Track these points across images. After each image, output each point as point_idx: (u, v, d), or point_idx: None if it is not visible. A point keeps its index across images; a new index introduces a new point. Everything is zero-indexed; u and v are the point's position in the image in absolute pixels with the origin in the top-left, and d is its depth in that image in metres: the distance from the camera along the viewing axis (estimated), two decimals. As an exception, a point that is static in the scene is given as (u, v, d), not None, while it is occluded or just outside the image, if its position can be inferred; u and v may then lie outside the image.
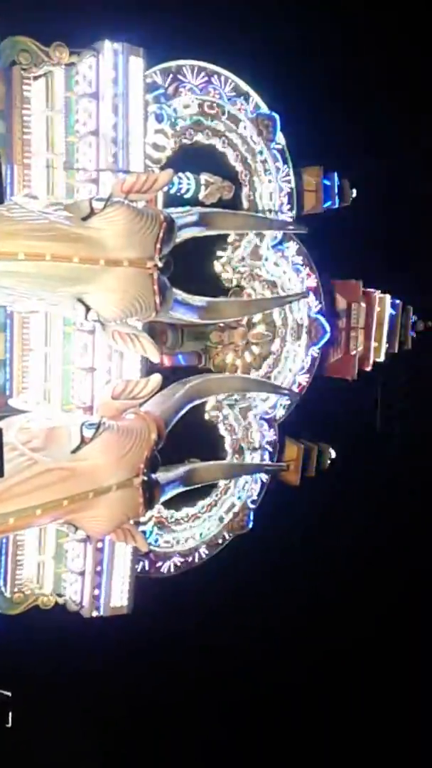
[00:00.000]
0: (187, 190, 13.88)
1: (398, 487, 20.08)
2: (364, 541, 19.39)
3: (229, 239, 14.74)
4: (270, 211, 14.71)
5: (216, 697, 17.41)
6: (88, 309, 11.54)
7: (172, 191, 13.62)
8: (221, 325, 14.68)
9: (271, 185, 14.65)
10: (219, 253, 14.77)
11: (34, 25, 11.98)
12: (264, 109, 14.36)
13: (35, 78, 12.08)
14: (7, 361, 12.53)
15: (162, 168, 12.94)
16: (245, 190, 14.59)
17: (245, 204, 14.63)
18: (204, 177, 14.03)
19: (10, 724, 8.55)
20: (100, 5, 13.76)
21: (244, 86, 14.11)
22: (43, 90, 12.15)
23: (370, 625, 19.09)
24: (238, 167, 14.46)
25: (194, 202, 13.89)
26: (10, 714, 8.54)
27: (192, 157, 13.77)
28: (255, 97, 14.24)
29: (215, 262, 14.78)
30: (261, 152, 14.49)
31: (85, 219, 11.27)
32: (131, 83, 12.01)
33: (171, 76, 13.20)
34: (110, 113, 11.93)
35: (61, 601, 12.88)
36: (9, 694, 8.54)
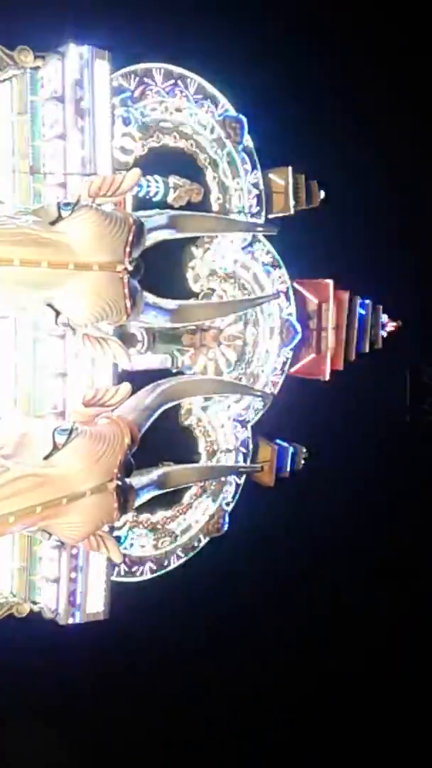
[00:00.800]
0: (156, 193, 13.84)
1: (374, 487, 20.24)
2: (341, 542, 19.52)
3: (199, 241, 14.74)
4: (239, 212, 14.73)
5: (195, 701, 17.39)
6: (57, 314, 11.46)
7: (141, 194, 13.58)
8: (193, 327, 14.67)
9: (240, 187, 14.68)
10: (189, 255, 14.76)
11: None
12: (231, 111, 14.39)
13: (0, 82, 11.99)
14: (-24, 368, 12.43)
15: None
16: (214, 193, 14.62)
17: (214, 206, 14.64)
18: (173, 180, 14.01)
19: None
20: (65, 8, 13.68)
21: (211, 88, 14.12)
22: (7, 94, 12.07)
23: (352, 625, 19.22)
24: (207, 170, 14.47)
25: (163, 205, 13.86)
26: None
27: (160, 160, 13.75)
28: (222, 100, 14.27)
29: (185, 265, 14.76)
30: (229, 154, 14.51)
31: (53, 223, 11.19)
32: (97, 86, 11.97)
33: (137, 78, 13.17)
34: (76, 117, 11.86)
35: (36, 608, 12.79)
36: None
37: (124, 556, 13.39)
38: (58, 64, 11.88)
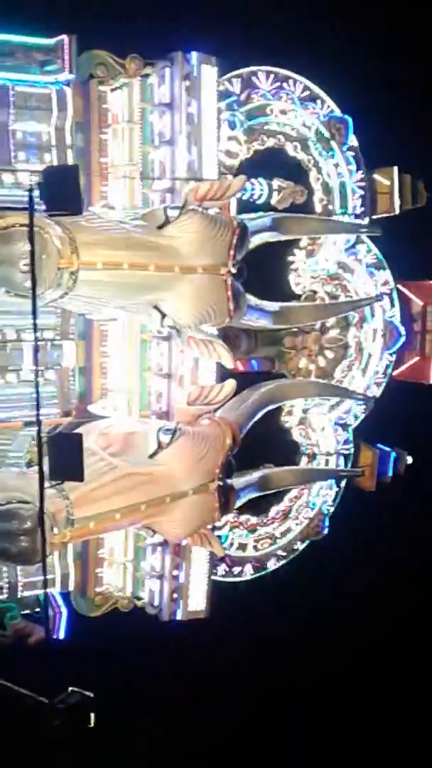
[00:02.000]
0: (260, 196, 13.92)
1: None
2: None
3: (302, 243, 14.71)
4: (343, 214, 14.62)
5: (291, 701, 17.33)
6: (163, 316, 11.71)
7: (245, 197, 13.67)
8: (295, 329, 14.65)
9: (344, 188, 14.55)
10: (292, 257, 14.76)
11: (110, 39, 12.23)
12: (336, 111, 14.29)
13: (112, 90, 12.34)
14: (86, 368, 12.82)
15: (235, 174, 13.02)
16: (318, 194, 14.55)
17: (318, 208, 14.58)
18: (276, 182, 14.05)
19: (92, 725, 8.68)
20: (173, 16, 13.93)
21: (316, 89, 14.08)
22: (119, 102, 12.40)
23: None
24: (311, 171, 14.43)
25: (267, 207, 13.92)
26: (92, 715, 8.66)
27: (264, 163, 13.81)
28: (327, 100, 14.19)
29: (288, 267, 14.76)
30: (333, 155, 14.41)
31: (160, 227, 11.45)
32: (204, 92, 12.13)
33: (243, 82, 13.30)
34: (184, 122, 12.06)
35: (140, 604, 13.07)
36: (91, 695, 8.67)
37: (225, 556, 13.53)
38: (166, 72, 12.11)
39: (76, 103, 12.18)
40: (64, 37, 11.90)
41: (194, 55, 12.07)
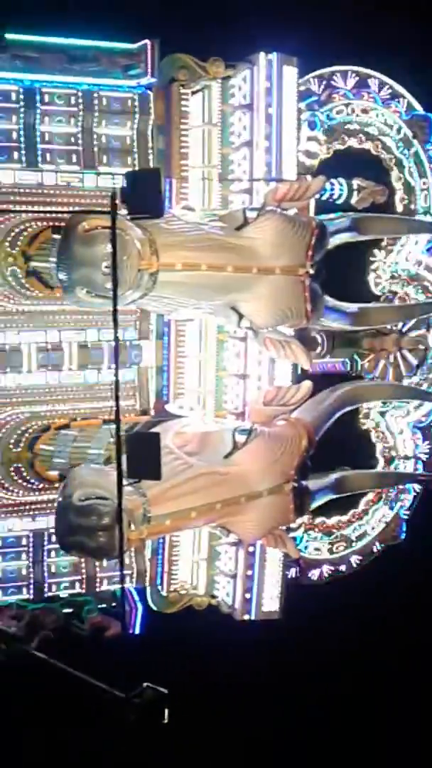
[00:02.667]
0: (339, 196, 13.83)
1: None
2: None
3: (383, 244, 14.54)
4: (425, 213, 14.37)
5: (363, 705, 17.14)
6: (241, 317, 11.79)
7: (324, 197, 13.60)
8: (373, 331, 14.48)
9: (427, 187, 14.30)
10: (371, 258, 14.60)
11: (192, 42, 12.35)
12: (419, 109, 14.06)
13: (193, 93, 12.47)
14: (164, 367, 13.00)
15: (314, 175, 12.97)
16: (399, 194, 14.35)
17: (399, 207, 14.38)
18: (356, 182, 13.93)
19: (166, 720, 8.79)
20: (255, 17, 13.96)
21: (399, 88, 13.88)
22: (200, 104, 12.52)
23: None
24: (392, 170, 14.24)
25: (346, 207, 13.81)
26: (166, 711, 8.77)
27: (344, 162, 13.70)
28: (409, 98, 13.98)
29: (368, 268, 14.60)
30: (416, 153, 14.18)
31: (238, 229, 11.52)
32: (285, 93, 12.12)
33: (324, 82, 13.24)
34: (264, 123, 12.09)
35: (213, 602, 13.17)
36: (165, 691, 8.78)
37: (300, 558, 13.49)
38: (247, 73, 12.16)
39: (158, 107, 12.35)
40: (147, 42, 12.09)
41: (275, 56, 12.08)
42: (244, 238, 11.46)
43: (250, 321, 11.81)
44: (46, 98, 12.00)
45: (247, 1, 13.98)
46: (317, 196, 12.77)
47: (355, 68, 13.45)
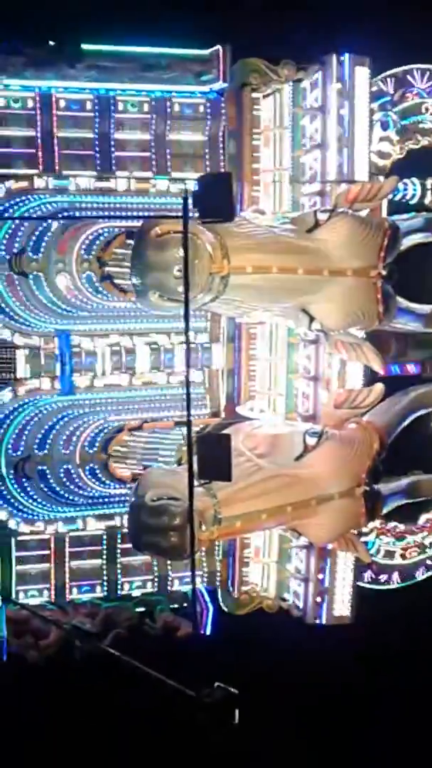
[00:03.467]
0: (413, 196, 13.63)
1: None
2: None
3: (458, 243, 14.24)
4: None
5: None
6: (312, 319, 11.73)
7: (397, 198, 13.43)
8: (448, 333, 14.21)
9: None
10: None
11: (263, 46, 12.40)
12: None
13: (264, 96, 12.51)
14: (234, 370, 13.07)
15: (387, 175, 12.82)
16: None
17: None
18: (430, 182, 13.69)
19: (236, 721, 8.81)
20: (327, 19, 13.89)
21: None
22: (271, 108, 12.56)
23: None
24: (467, 170, 13.95)
25: (420, 207, 13.60)
26: (237, 711, 8.79)
27: (418, 162, 13.49)
28: None
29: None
30: None
31: (310, 231, 11.48)
32: (357, 94, 12.04)
33: (397, 82, 13.08)
34: (336, 125, 12.03)
35: (284, 605, 13.14)
36: (236, 691, 8.81)
37: (371, 562, 13.34)
38: (319, 75, 12.12)
39: (230, 111, 12.47)
40: (219, 47, 12.21)
41: (347, 57, 12.00)
42: (315, 240, 11.41)
43: (321, 323, 11.74)
44: (120, 106, 12.28)
45: (319, 3, 13.93)
46: (390, 196, 12.62)
47: (429, 67, 13.22)
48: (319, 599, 12.73)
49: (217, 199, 9.02)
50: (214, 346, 13.16)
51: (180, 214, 9.31)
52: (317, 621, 12.84)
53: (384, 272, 11.60)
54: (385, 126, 12.98)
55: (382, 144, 13.03)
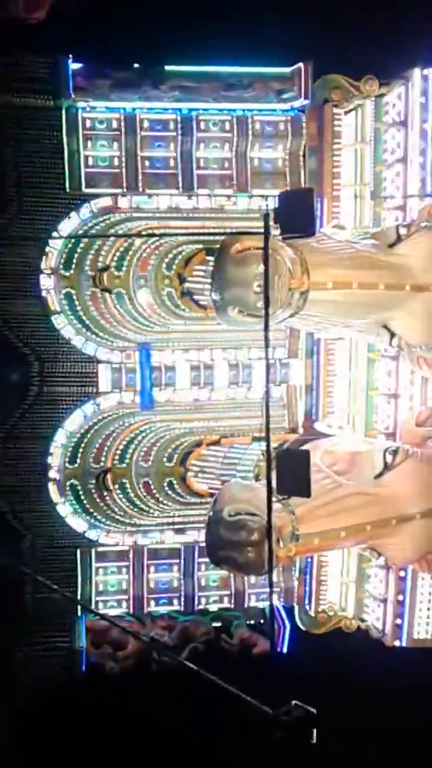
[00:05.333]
0: None
1: None
2: None
3: None
4: None
5: None
6: (392, 335, 11.56)
7: None
8: None
9: None
10: None
11: (345, 61, 12.39)
12: None
13: (346, 112, 12.49)
14: (313, 386, 13.01)
15: (470, 189, 12.58)
16: None
17: None
18: None
19: (314, 741, 8.69)
20: (409, 34, 13.79)
21: None
22: (352, 123, 12.54)
23: None
24: None
25: None
26: (315, 731, 8.67)
27: None
28: None
29: None
30: None
31: (391, 246, 11.34)
32: (440, 108, 11.89)
33: None
34: (419, 139, 11.90)
35: (363, 626, 12.92)
36: (314, 711, 8.69)
37: (454, 584, 12.97)
38: (402, 90, 12.03)
39: (311, 128, 12.50)
40: (301, 65, 12.27)
41: (431, 71, 11.88)
42: (396, 255, 11.27)
43: (402, 339, 11.55)
44: (202, 125, 12.46)
45: (402, 16, 13.82)
46: (474, 210, 12.36)
47: None
48: (399, 621, 12.46)
49: (298, 215, 9.03)
50: (292, 362, 13.13)
51: (261, 230, 9.36)
52: (397, 643, 12.57)
53: (468, 295, 11.35)
54: (469, 139, 12.73)
55: (466, 157, 12.78)
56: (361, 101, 12.28)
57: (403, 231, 11.37)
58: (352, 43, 13.80)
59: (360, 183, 12.49)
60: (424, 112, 11.83)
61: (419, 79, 11.86)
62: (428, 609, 12.53)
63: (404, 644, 12.52)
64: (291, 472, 9.58)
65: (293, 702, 8.44)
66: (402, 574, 12.40)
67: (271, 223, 9.13)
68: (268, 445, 9.73)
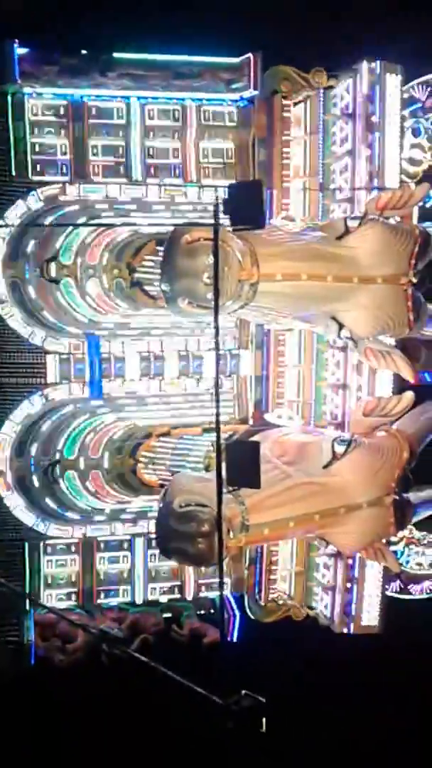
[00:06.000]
0: (445, 203, 13.53)
1: None
2: None
3: None
4: None
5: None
6: (341, 326, 11.69)
7: (428, 205, 13.33)
8: None
9: None
10: None
11: (294, 53, 12.41)
12: None
13: (295, 104, 12.52)
14: (263, 377, 13.07)
15: (418, 182, 12.76)
16: None
17: None
18: (463, 188, 13.58)
19: (264, 730, 8.77)
20: (358, 27, 13.88)
21: None
22: (301, 115, 12.57)
23: None
24: None
25: (452, 214, 13.50)
26: (264, 720, 8.75)
27: (450, 169, 13.41)
28: None
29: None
30: None
31: (339, 238, 11.45)
32: (388, 100, 12.00)
33: (429, 88, 13.01)
34: (367, 132, 12.00)
35: (312, 614, 13.08)
36: (263, 700, 8.77)
37: (400, 572, 13.23)
38: (350, 82, 12.11)
39: (260, 119, 12.50)
40: (250, 56, 12.25)
41: (379, 64, 11.98)
42: (345, 248, 11.39)
43: (350, 331, 11.70)
44: (151, 114, 12.34)
45: (350, 10, 13.91)
46: (421, 203, 12.54)
47: (462, 72, 13.16)
48: (347, 608, 12.66)
49: (247, 207, 9.03)
50: (242, 353, 13.17)
51: (210, 221, 9.34)
52: (345, 630, 12.77)
53: (414, 280, 11.53)
54: (416, 133, 12.94)
55: (414, 151, 12.99)
56: (310, 93, 12.33)
57: (351, 223, 11.48)
58: (302, 35, 13.84)
59: (309, 175, 12.55)
60: (372, 105, 11.94)
61: (367, 72, 11.95)
62: (376, 596, 12.76)
63: (352, 631, 12.73)
64: (241, 463, 9.61)
65: (243, 691, 8.50)
66: (350, 562, 12.59)
67: (221, 214, 9.13)
68: (218, 437, 9.75)
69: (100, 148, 12.29)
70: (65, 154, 12.18)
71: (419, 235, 11.62)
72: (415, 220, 12.81)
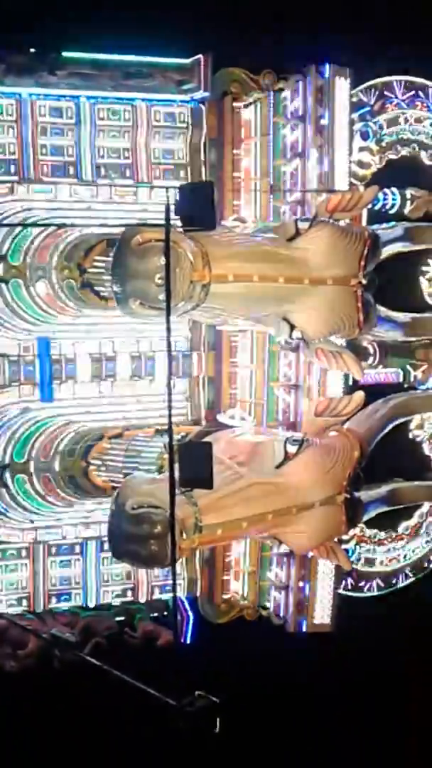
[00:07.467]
0: (393, 206, 13.75)
1: None
2: None
3: (436, 253, 14.38)
4: None
5: (414, 719, 16.86)
6: (292, 327, 11.76)
7: (377, 207, 13.54)
8: (426, 341, 14.31)
9: None
10: (424, 267, 14.44)
11: (244, 56, 12.49)
12: (473, 118, 13.91)
13: (245, 106, 12.59)
14: (215, 378, 13.09)
15: (367, 185, 12.93)
16: (454, 203, 14.18)
17: (453, 217, 14.21)
18: (410, 191, 13.83)
19: (217, 730, 8.78)
20: (307, 30, 14.01)
21: (453, 96, 13.76)
22: (251, 117, 12.63)
23: None
24: (446, 179, 14.10)
25: (400, 217, 13.71)
26: (218, 720, 8.77)
27: (398, 172, 13.62)
28: (464, 107, 13.84)
29: (421, 277, 14.45)
30: (471, 163, 14.02)
31: (290, 240, 11.51)
32: (337, 104, 12.13)
33: (377, 92, 13.22)
34: (316, 135, 12.11)
35: (265, 613, 13.14)
36: (217, 700, 8.78)
37: (352, 570, 13.38)
38: (299, 85, 12.21)
39: (210, 120, 12.53)
40: (200, 57, 12.26)
41: (328, 68, 12.10)
42: (295, 249, 11.45)
43: (301, 332, 11.77)
44: (101, 114, 12.26)
45: (299, 13, 14.04)
46: (370, 206, 12.71)
47: (409, 78, 13.41)
48: (299, 607, 12.75)
49: (198, 208, 9.02)
50: (194, 354, 13.17)
51: (161, 222, 9.31)
52: (298, 629, 12.85)
53: (364, 281, 11.66)
54: (365, 136, 13.11)
55: (362, 154, 13.16)
56: (260, 95, 12.41)
57: (301, 225, 11.56)
58: (252, 38, 13.92)
59: (260, 177, 12.62)
60: (321, 107, 12.06)
61: (316, 75, 12.05)
62: (328, 595, 12.88)
63: (305, 630, 12.82)
64: (193, 464, 9.58)
65: (197, 692, 8.50)
66: (303, 561, 12.68)
67: (172, 215, 9.10)
68: (170, 438, 9.72)
69: (49, 148, 12.16)
70: (13, 153, 12.02)
71: (368, 237, 11.75)
72: (364, 223, 13.00)
